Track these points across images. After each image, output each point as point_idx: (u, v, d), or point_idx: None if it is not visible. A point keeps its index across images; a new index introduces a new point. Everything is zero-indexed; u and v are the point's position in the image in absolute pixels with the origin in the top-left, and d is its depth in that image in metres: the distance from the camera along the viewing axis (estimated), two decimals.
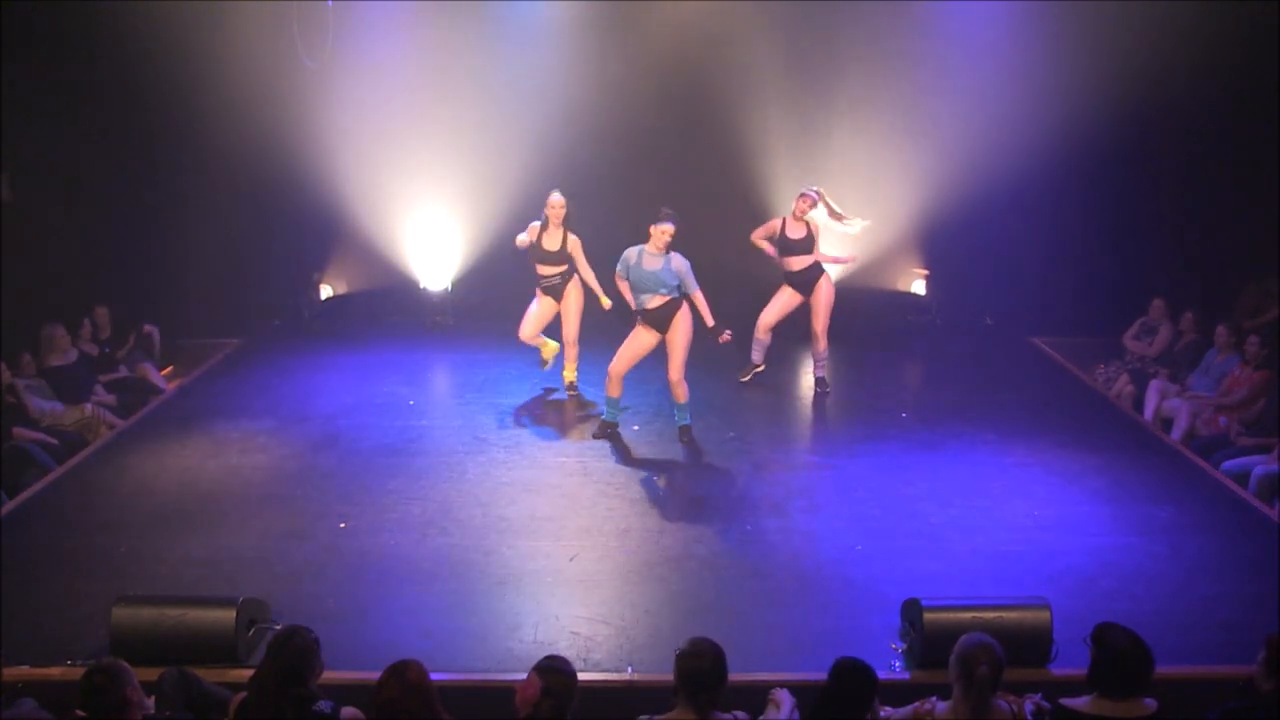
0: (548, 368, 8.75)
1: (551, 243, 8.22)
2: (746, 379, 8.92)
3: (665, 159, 10.71)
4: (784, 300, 8.67)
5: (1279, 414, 7.56)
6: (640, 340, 7.57)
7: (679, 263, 7.30)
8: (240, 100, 10.04)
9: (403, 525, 6.42)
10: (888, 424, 8.08)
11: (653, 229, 7.26)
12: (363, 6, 10.24)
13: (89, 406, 8.23)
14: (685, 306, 7.45)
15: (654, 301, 7.39)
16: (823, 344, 8.68)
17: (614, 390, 7.67)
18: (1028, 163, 10.17)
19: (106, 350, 9.12)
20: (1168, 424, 8.30)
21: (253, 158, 10.34)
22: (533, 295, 8.47)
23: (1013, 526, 6.38)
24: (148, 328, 9.79)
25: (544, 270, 8.34)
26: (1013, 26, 10.18)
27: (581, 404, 8.56)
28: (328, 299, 11.36)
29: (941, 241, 10.96)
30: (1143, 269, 10.70)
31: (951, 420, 8.14)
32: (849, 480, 7.06)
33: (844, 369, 9.33)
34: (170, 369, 9.74)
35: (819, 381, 8.80)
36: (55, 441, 7.61)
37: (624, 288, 7.56)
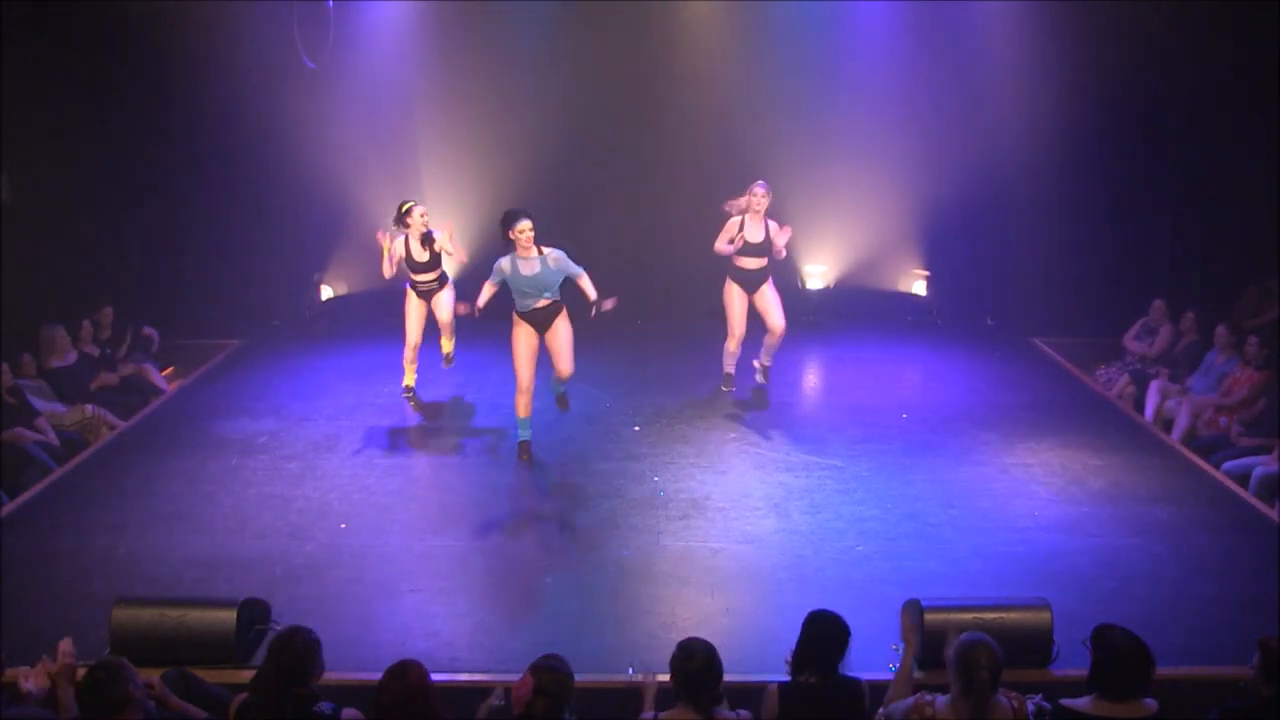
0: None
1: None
2: (728, 389, 8.41)
3: (666, 160, 10.69)
4: (740, 305, 8.08)
5: (1279, 414, 7.56)
6: (527, 344, 7.16)
7: (555, 259, 6.94)
8: (241, 100, 10.05)
9: (403, 525, 6.42)
10: (888, 424, 8.07)
11: (512, 234, 6.81)
12: (363, 6, 10.25)
13: (89, 407, 8.23)
14: (565, 309, 7.15)
15: (539, 303, 7.07)
16: (778, 337, 8.13)
17: (527, 410, 7.29)
18: (1028, 163, 10.18)
19: (107, 351, 9.12)
20: (1168, 424, 8.30)
21: (253, 158, 10.34)
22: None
23: (1013, 527, 6.38)
24: (147, 330, 9.78)
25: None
26: (1013, 26, 10.17)
27: (580, 404, 8.54)
28: (328, 299, 11.36)
29: (941, 241, 10.97)
30: (1143, 269, 10.70)
31: (951, 420, 8.13)
32: (849, 480, 7.06)
33: (844, 368, 9.33)
34: (170, 369, 9.74)
35: (761, 371, 8.36)
36: (56, 442, 7.62)
37: (488, 292, 7.00)
